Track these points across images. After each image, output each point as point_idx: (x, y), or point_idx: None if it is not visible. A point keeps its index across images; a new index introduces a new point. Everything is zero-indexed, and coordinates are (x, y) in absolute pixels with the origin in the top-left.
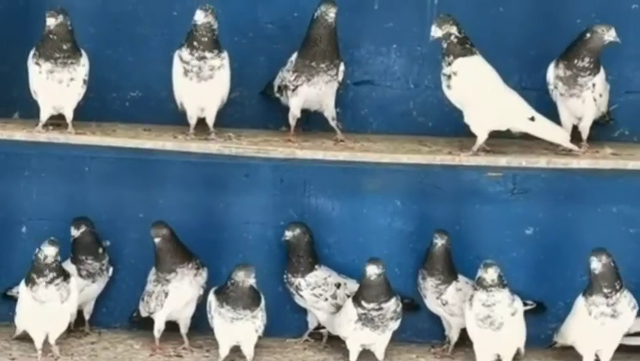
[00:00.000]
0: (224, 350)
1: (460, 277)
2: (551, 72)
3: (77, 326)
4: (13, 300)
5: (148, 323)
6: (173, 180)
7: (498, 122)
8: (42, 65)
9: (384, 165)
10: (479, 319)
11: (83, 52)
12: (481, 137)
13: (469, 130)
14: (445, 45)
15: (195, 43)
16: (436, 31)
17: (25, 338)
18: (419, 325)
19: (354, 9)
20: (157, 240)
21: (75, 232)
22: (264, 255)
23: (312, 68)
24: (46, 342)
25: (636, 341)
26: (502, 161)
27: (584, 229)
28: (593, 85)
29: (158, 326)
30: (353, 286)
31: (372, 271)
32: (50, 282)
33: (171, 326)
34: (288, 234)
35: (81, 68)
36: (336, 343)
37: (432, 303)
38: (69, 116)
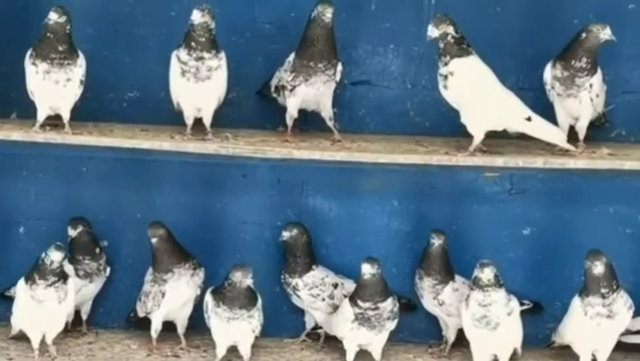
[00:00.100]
0: (221, 350)
1: (457, 277)
2: (548, 72)
3: (75, 326)
4: (11, 300)
5: (145, 323)
6: (170, 180)
7: (495, 123)
8: (39, 65)
9: (382, 165)
10: (475, 319)
11: (80, 53)
12: (478, 137)
13: (465, 130)
14: (441, 45)
15: (193, 44)
16: (432, 32)
17: (22, 338)
18: (416, 325)
19: (352, 9)
20: (154, 240)
21: (72, 232)
22: (261, 255)
23: (310, 68)
24: (43, 342)
25: (637, 339)
26: (498, 161)
27: (581, 229)
28: (590, 85)
29: (155, 326)
30: (350, 286)
31: (368, 270)
32: (51, 285)
33: (168, 326)
34: (286, 234)
35: (78, 69)
36: (333, 343)
37: (429, 303)
38: (66, 116)
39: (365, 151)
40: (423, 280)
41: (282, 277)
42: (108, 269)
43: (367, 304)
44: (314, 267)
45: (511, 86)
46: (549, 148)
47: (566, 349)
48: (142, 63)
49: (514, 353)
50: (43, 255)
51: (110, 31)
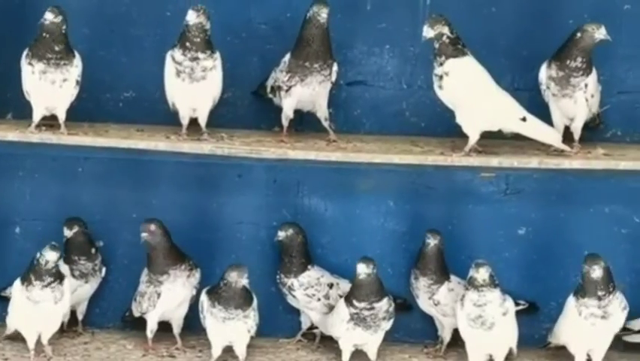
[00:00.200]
0: (216, 350)
1: (453, 278)
2: (543, 73)
3: (70, 326)
4: (6, 300)
5: (141, 323)
6: (166, 180)
7: (490, 123)
8: (35, 65)
9: (377, 166)
10: (470, 319)
11: (76, 53)
12: (473, 137)
13: (461, 130)
14: (437, 45)
15: (188, 44)
16: (428, 32)
17: (18, 338)
18: (412, 325)
19: (347, 10)
20: (144, 235)
21: (68, 233)
22: (256, 255)
23: (306, 69)
24: (38, 342)
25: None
26: (494, 161)
27: (577, 229)
28: (586, 85)
29: (151, 327)
30: (346, 286)
31: (363, 270)
32: (47, 285)
33: (164, 326)
34: (281, 234)
35: (74, 69)
36: (329, 343)
37: (424, 303)
38: (62, 116)
39: (360, 151)
40: (418, 280)
41: (278, 277)
42: (104, 269)
43: (363, 304)
44: (309, 267)
45: (506, 87)
46: (544, 148)
47: (562, 349)
48: (138, 63)
49: (510, 353)
50: (38, 255)
51: (106, 32)
